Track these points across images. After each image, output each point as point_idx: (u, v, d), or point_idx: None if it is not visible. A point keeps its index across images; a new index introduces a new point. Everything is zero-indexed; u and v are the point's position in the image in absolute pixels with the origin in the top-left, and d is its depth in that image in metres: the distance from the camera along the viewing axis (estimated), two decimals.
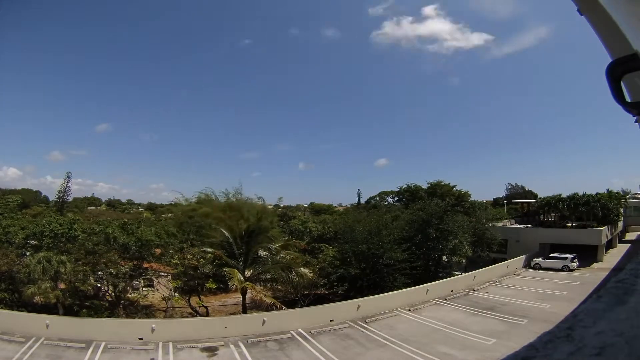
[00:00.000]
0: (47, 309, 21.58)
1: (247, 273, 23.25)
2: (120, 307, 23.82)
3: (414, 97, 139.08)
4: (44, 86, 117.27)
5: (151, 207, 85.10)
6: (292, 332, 19.45)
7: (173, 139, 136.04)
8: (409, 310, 22.88)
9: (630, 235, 52.19)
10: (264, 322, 19.67)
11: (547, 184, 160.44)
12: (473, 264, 35.00)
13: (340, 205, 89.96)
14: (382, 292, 24.99)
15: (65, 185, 68.94)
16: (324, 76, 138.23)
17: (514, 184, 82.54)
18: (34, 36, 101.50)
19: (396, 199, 59.47)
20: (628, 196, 50.50)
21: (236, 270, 21.65)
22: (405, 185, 56.16)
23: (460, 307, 23.61)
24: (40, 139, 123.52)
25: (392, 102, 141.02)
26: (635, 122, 2.38)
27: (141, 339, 17.85)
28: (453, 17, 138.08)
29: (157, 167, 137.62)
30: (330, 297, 28.59)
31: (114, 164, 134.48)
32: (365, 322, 20.82)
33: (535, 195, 61.83)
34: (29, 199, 74.96)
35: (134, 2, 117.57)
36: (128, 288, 25.30)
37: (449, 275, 32.86)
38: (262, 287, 25.37)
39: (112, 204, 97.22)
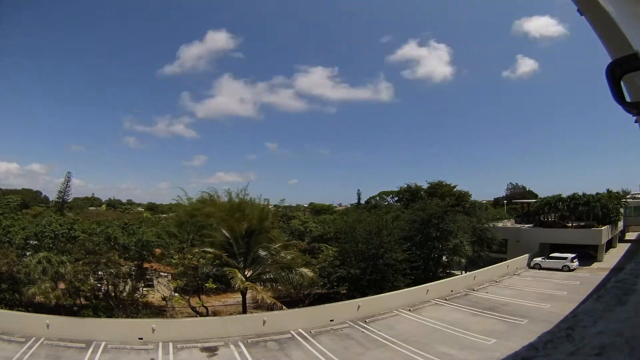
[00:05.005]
0: (48, 309, 21.58)
1: (248, 273, 23.25)
2: (120, 307, 23.81)
3: (414, 97, 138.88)
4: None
5: (151, 207, 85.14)
6: (292, 332, 19.46)
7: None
8: (409, 310, 22.88)
9: (630, 235, 52.23)
10: (264, 322, 19.68)
11: (547, 184, 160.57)
12: (473, 264, 35.02)
13: (340, 205, 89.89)
14: (382, 292, 25.00)
15: (65, 185, 68.96)
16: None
17: (514, 184, 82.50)
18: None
19: (396, 199, 59.56)
20: (628, 196, 50.49)
21: (237, 270, 21.65)
22: (406, 185, 56.31)
23: (460, 307, 23.61)
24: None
25: (391, 102, 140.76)
26: (635, 122, 2.38)
27: (141, 339, 17.85)
28: None
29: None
30: (333, 296, 28.64)
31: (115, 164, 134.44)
32: (366, 322, 20.82)
33: (535, 195, 61.80)
34: (29, 199, 75.01)
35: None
36: (128, 288, 25.30)
37: (449, 275, 32.88)
38: (262, 287, 25.36)
39: (112, 204, 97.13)
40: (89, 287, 23.69)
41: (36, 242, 26.19)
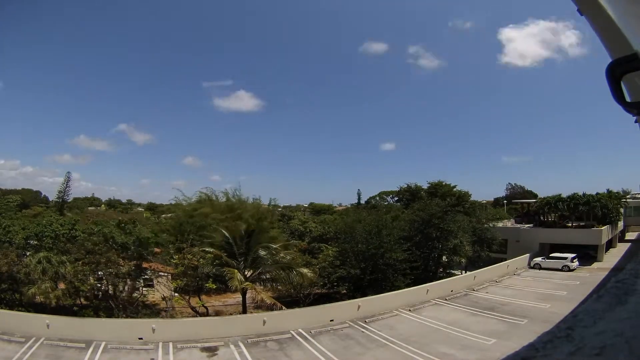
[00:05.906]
0: (48, 309, 21.58)
1: (247, 273, 23.26)
2: (120, 307, 23.81)
3: (413, 98, 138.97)
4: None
5: (151, 207, 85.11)
6: (292, 332, 19.45)
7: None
8: (409, 310, 22.88)
9: (630, 235, 52.22)
10: (264, 322, 19.67)
11: (547, 184, 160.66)
12: (473, 264, 35.02)
13: (340, 205, 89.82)
14: (382, 292, 25.01)
15: (65, 185, 68.88)
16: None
17: (514, 184, 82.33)
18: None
19: (396, 199, 59.55)
20: (628, 196, 50.43)
21: (236, 271, 21.64)
22: (406, 185, 56.30)
23: (460, 307, 23.61)
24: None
25: (389, 103, 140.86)
26: (635, 122, 2.38)
27: (141, 339, 17.85)
28: None
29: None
30: (333, 296, 28.64)
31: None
32: (366, 322, 20.82)
33: (535, 195, 61.73)
34: (29, 199, 75.01)
35: None
36: (128, 288, 25.29)
37: (449, 275, 32.88)
38: (262, 287, 25.37)
39: (112, 204, 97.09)
40: (88, 287, 23.69)
41: (36, 242, 26.18)
